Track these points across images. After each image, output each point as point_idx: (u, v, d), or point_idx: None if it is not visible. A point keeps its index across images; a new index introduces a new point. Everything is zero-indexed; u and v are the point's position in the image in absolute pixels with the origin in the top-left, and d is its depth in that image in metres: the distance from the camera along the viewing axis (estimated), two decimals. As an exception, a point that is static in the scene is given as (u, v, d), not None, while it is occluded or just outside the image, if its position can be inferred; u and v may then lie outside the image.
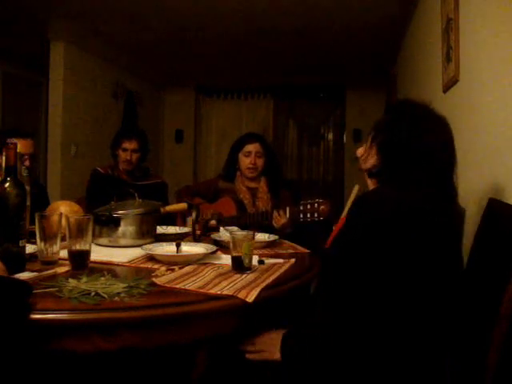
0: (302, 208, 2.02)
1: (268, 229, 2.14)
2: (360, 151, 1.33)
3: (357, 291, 1.08)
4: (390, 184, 1.21)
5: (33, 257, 1.39)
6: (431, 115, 1.25)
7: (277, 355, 1.14)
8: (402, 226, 1.08)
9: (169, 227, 2.02)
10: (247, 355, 1.21)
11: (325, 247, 1.64)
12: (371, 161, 1.26)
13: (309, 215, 2.00)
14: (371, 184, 1.31)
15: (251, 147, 2.61)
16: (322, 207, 1.95)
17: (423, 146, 1.18)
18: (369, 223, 1.09)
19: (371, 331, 1.07)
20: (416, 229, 1.09)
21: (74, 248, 1.33)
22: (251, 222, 2.30)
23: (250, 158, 2.59)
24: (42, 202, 2.36)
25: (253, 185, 2.65)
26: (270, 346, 1.16)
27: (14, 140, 2.47)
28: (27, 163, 2.42)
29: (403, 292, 1.07)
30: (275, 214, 2.21)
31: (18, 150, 2.33)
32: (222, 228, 1.93)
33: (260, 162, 2.62)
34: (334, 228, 1.63)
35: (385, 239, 1.08)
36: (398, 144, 1.19)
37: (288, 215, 2.13)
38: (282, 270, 1.41)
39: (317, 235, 1.96)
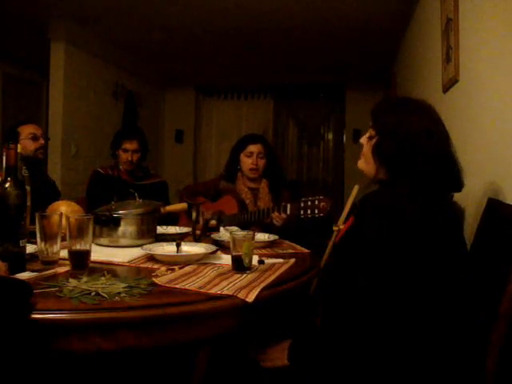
0: (302, 204, 2.02)
1: (268, 227, 2.14)
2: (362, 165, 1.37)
3: (368, 294, 1.11)
4: (392, 184, 1.25)
5: (33, 257, 1.39)
6: (414, 104, 1.31)
7: (285, 361, 1.24)
8: (408, 226, 1.11)
9: (169, 227, 2.02)
10: (262, 363, 1.30)
11: (326, 249, 1.64)
12: (380, 175, 1.30)
13: (309, 211, 1.99)
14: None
15: (253, 148, 2.61)
16: (322, 204, 1.94)
17: (411, 136, 1.21)
18: (379, 227, 1.13)
19: (376, 334, 1.10)
20: (420, 228, 1.11)
21: (74, 248, 1.33)
22: (252, 219, 2.30)
23: (251, 158, 2.59)
24: (54, 197, 2.33)
25: (254, 185, 2.65)
26: (280, 353, 1.26)
27: (27, 126, 2.65)
28: (42, 141, 2.65)
29: (414, 292, 1.10)
30: (276, 214, 2.21)
31: (33, 131, 2.60)
32: (222, 228, 1.93)
33: (261, 163, 2.62)
34: (334, 228, 1.62)
35: (395, 242, 1.11)
36: (393, 147, 1.23)
37: (289, 212, 2.13)
38: (281, 270, 1.41)
39: (316, 232, 1.96)
